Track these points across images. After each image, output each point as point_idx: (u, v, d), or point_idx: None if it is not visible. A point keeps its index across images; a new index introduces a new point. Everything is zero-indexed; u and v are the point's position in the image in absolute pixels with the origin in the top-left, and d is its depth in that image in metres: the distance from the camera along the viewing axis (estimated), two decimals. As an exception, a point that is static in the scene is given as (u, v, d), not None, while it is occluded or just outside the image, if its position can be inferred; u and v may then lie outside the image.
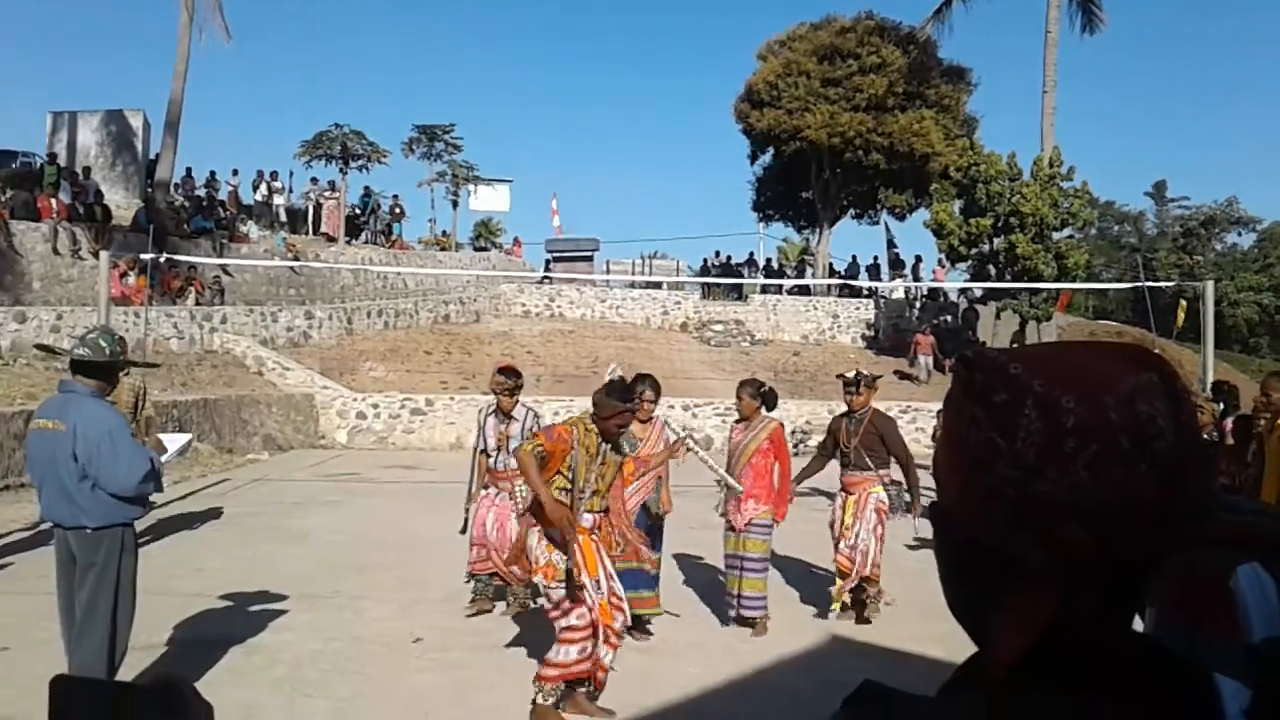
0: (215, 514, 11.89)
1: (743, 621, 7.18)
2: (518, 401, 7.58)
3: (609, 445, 5.45)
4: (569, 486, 5.31)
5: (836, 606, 7.48)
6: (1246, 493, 6.94)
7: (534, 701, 5.19)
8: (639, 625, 6.70)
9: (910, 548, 9.31)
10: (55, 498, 4.93)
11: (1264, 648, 1.26)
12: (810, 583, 8.72)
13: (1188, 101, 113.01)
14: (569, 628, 5.17)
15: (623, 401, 5.44)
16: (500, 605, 7.45)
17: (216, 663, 6.16)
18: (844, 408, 7.74)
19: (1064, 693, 0.75)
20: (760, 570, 7.22)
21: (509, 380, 7.51)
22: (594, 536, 5.43)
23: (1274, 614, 1.30)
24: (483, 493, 7.55)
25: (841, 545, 7.41)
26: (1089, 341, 0.88)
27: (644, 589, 6.76)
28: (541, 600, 5.49)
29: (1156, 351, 0.83)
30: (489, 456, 7.54)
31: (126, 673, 5.34)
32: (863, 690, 0.83)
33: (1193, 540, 0.77)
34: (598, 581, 5.27)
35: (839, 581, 7.46)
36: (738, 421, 7.47)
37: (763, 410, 7.36)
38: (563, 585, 5.18)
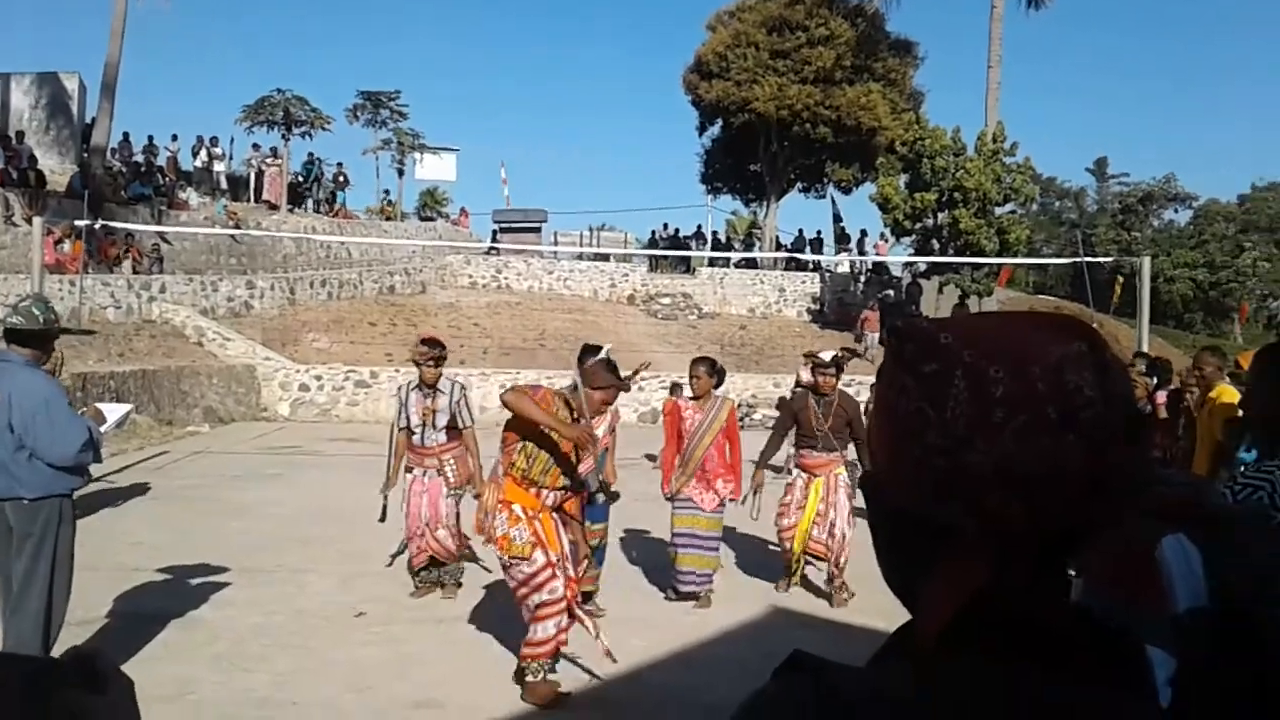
0: (154, 487, 11.70)
1: (687, 596, 7.20)
2: (441, 374, 7.24)
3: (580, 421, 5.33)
4: (526, 467, 5.22)
5: (796, 579, 7.57)
6: (1178, 465, 7.12)
7: (524, 680, 5.18)
8: (586, 600, 6.69)
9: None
10: (-11, 469, 4.83)
11: (1187, 619, 1.29)
12: (753, 556, 8.81)
13: (1130, 79, 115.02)
14: (543, 604, 5.11)
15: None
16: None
17: (154, 637, 6.08)
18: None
19: (993, 661, 0.75)
20: (714, 548, 7.26)
21: (433, 350, 7.19)
22: (554, 515, 5.35)
23: (1197, 585, 1.34)
24: (408, 476, 7.26)
25: (815, 531, 7.32)
26: (1020, 312, 0.88)
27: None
28: (504, 578, 5.37)
29: (1086, 322, 0.83)
30: (412, 434, 7.19)
31: (61, 647, 5.26)
32: (793, 660, 0.83)
33: (1123, 511, 0.78)
34: (560, 559, 5.23)
35: (797, 558, 7.47)
36: (692, 399, 7.40)
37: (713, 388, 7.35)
38: (523, 561, 5.11)
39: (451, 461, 7.21)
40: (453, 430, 7.21)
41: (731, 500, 7.33)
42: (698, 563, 7.17)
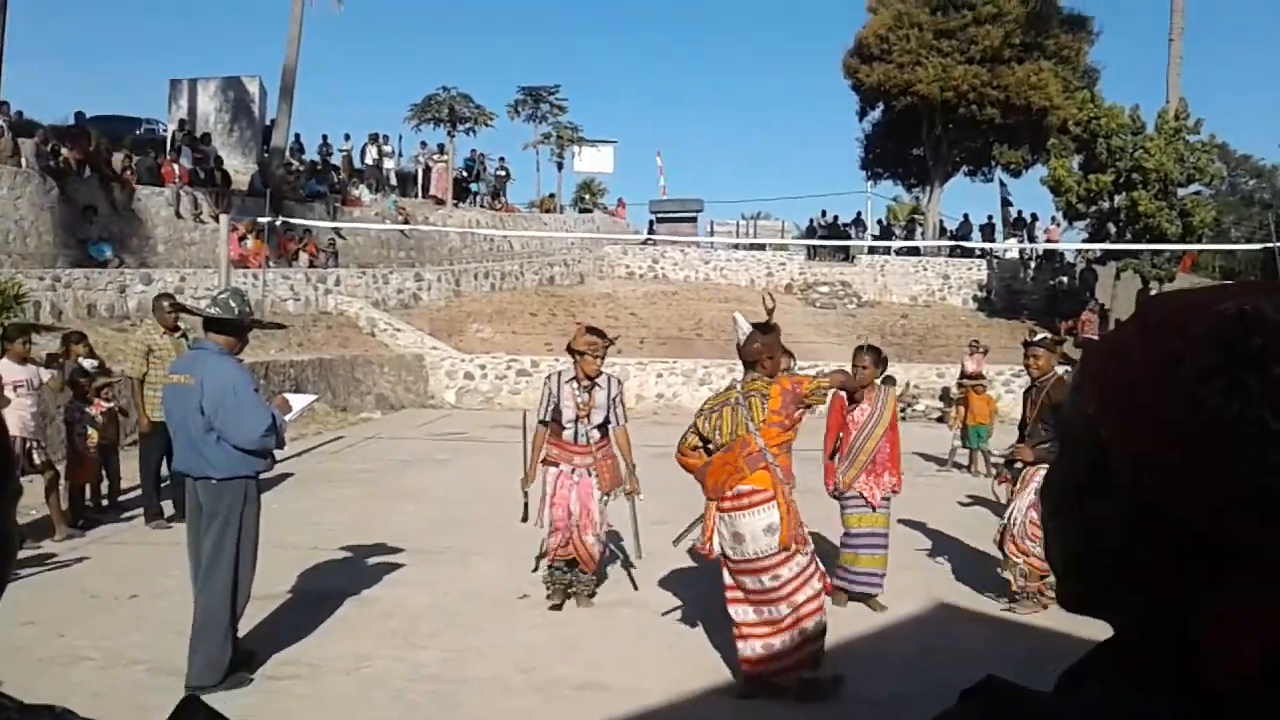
0: (331, 471, 12.25)
1: (860, 598, 6.90)
2: (601, 367, 6.66)
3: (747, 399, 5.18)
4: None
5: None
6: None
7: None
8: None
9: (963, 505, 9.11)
10: (185, 449, 5.17)
11: None
12: (911, 549, 8.59)
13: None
14: (809, 599, 5.05)
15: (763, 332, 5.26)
16: (570, 603, 6.74)
17: (332, 613, 6.35)
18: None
19: None
20: (886, 545, 6.98)
21: (602, 340, 6.59)
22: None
23: None
24: (553, 470, 6.68)
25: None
26: None
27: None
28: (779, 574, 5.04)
29: None
30: (563, 429, 6.64)
31: (248, 620, 5.55)
32: (986, 686, 0.74)
33: None
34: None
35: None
36: (851, 395, 6.97)
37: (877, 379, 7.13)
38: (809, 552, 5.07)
39: (602, 462, 6.72)
40: (604, 429, 6.74)
41: (894, 493, 7.07)
42: (877, 563, 6.89)
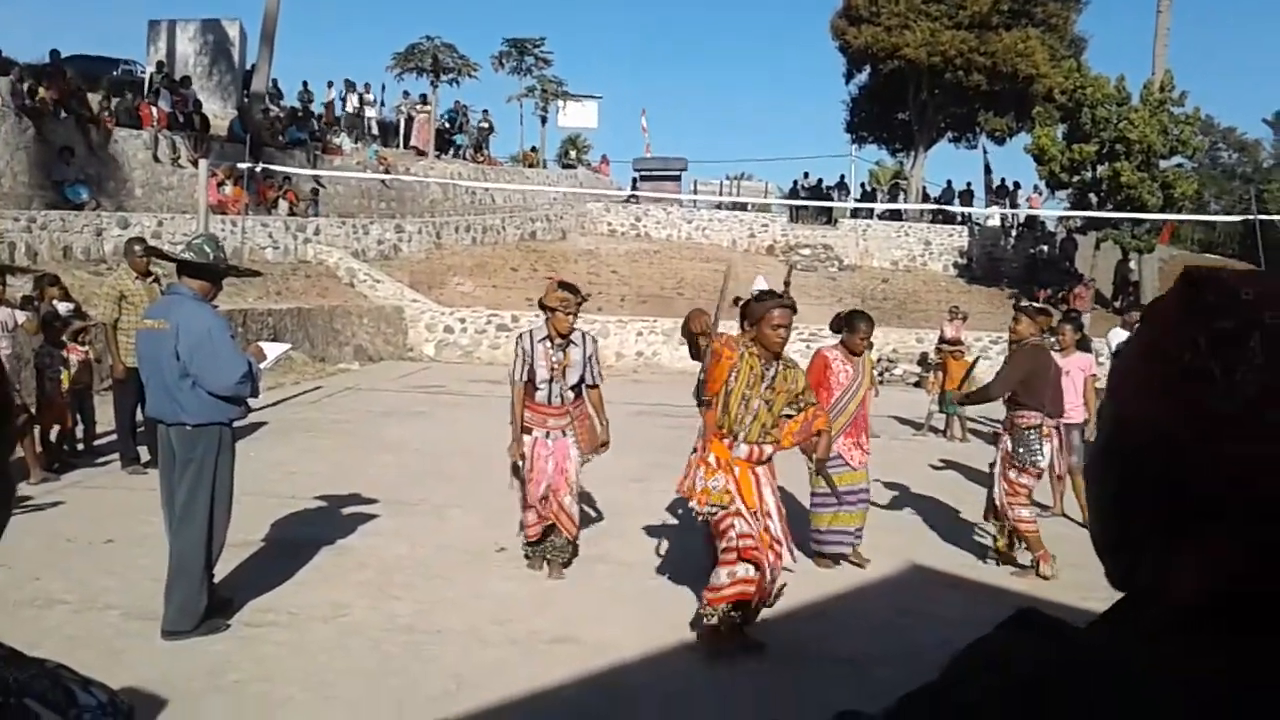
0: (308, 420, 12.22)
1: (836, 559, 7.01)
2: (574, 324, 6.35)
3: (774, 372, 5.14)
4: (723, 419, 5.15)
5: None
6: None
7: (702, 621, 5.25)
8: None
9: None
10: (159, 395, 5.12)
11: None
12: (886, 511, 8.67)
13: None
14: (723, 550, 5.11)
15: (775, 300, 5.16)
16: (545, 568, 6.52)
17: (308, 562, 6.36)
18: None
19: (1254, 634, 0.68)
20: (866, 501, 7.15)
21: (574, 296, 6.30)
22: (756, 470, 5.19)
23: None
24: (528, 439, 6.34)
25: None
26: None
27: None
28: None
29: None
30: (536, 389, 6.30)
31: (224, 567, 5.55)
32: (1022, 617, 0.77)
33: None
34: (754, 514, 5.12)
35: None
36: (849, 354, 7.10)
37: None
38: (714, 509, 5.07)
39: (579, 422, 6.46)
40: (578, 388, 6.43)
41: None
42: (857, 519, 6.98)
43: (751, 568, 5.05)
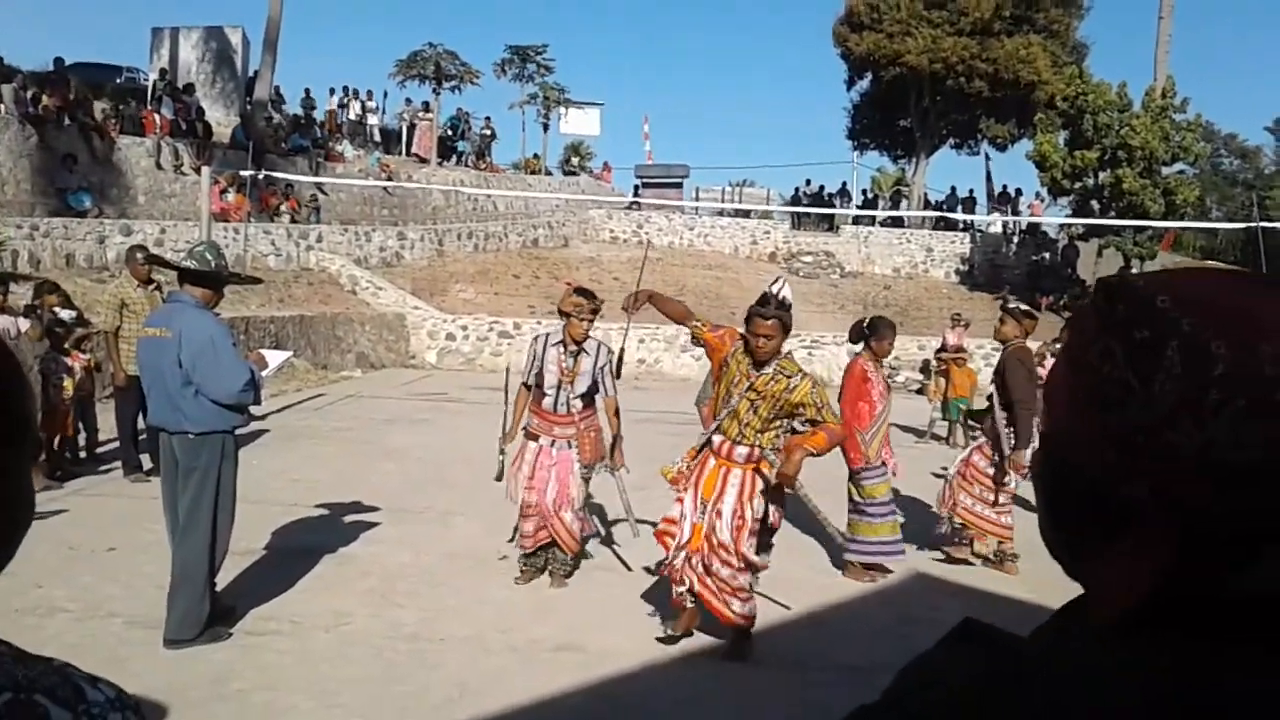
0: (311, 428, 12.22)
1: (876, 568, 6.98)
2: (589, 332, 6.29)
3: (762, 375, 5.11)
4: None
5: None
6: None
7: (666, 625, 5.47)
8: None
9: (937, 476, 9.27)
10: (161, 403, 5.11)
11: None
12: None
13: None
14: (657, 531, 5.35)
15: (762, 310, 5.08)
16: (545, 577, 6.49)
17: (311, 570, 6.36)
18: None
19: (1192, 638, 0.69)
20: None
21: (590, 302, 6.23)
22: (736, 469, 5.19)
23: None
24: (533, 446, 6.31)
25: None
26: (1260, 277, 0.76)
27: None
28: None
29: None
30: (544, 396, 6.24)
31: (226, 575, 5.55)
32: (963, 629, 0.78)
33: None
34: (704, 504, 5.16)
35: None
36: (874, 362, 7.09)
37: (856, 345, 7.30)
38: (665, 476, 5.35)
39: (584, 434, 6.33)
40: (589, 398, 6.37)
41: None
42: (895, 530, 6.94)
43: (675, 555, 5.24)
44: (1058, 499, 0.78)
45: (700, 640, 5.47)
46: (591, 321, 6.26)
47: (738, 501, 5.14)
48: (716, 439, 5.22)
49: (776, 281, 5.30)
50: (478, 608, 5.88)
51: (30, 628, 5.17)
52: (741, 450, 5.17)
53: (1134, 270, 27.55)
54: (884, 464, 6.93)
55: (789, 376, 5.11)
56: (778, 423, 5.20)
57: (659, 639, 5.36)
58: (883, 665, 5.01)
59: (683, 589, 5.27)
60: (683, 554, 5.22)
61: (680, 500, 5.26)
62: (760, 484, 5.18)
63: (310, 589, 6.05)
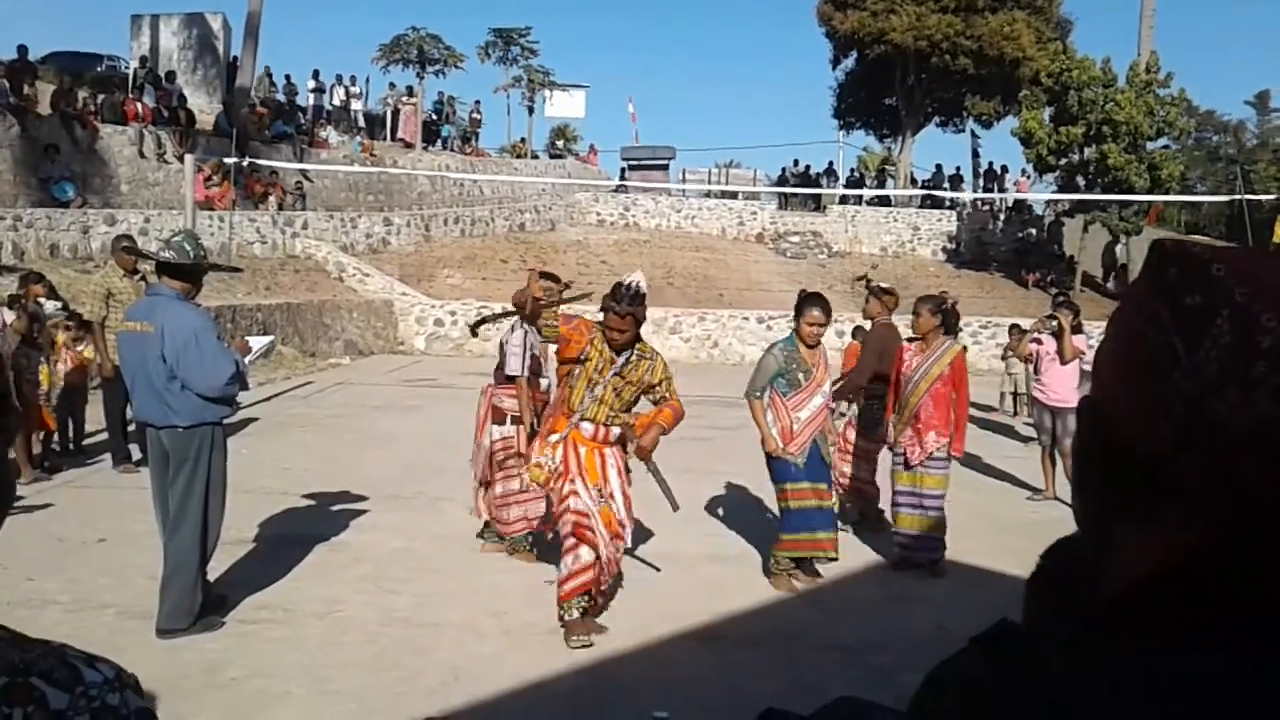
0: (300, 416, 12.20)
1: (902, 563, 6.66)
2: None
3: (625, 361, 5.24)
4: (568, 398, 5.30)
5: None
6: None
7: (562, 620, 5.21)
8: (806, 566, 6.30)
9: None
10: (146, 398, 5.06)
11: None
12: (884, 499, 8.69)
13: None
14: (563, 536, 5.22)
15: (616, 305, 5.14)
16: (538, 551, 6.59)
17: (303, 559, 6.36)
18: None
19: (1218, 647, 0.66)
20: (938, 509, 6.60)
21: (557, 285, 6.25)
22: (608, 450, 5.29)
23: None
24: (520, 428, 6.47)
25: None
26: None
27: (820, 529, 6.16)
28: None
29: None
30: (542, 379, 6.52)
31: (218, 564, 5.56)
32: (1000, 631, 0.76)
33: None
34: (599, 490, 5.20)
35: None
36: (911, 341, 6.86)
37: (942, 332, 6.81)
38: (533, 484, 5.42)
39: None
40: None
41: (954, 457, 6.70)
42: (911, 523, 6.58)
43: (588, 551, 5.14)
44: (1098, 469, 0.76)
45: (693, 621, 5.49)
46: (560, 303, 6.13)
47: (619, 480, 5.36)
48: (589, 428, 5.28)
49: (631, 275, 5.34)
50: (470, 593, 5.89)
51: (23, 620, 5.15)
52: (614, 432, 5.34)
53: (1120, 245, 27.67)
54: (904, 451, 6.73)
55: (649, 359, 5.38)
56: (635, 403, 5.42)
57: (574, 646, 5.11)
58: (874, 645, 5.08)
59: (588, 596, 5.26)
60: (611, 544, 5.22)
61: (575, 494, 5.18)
62: (623, 460, 5.44)
63: (302, 576, 6.05)
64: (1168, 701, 0.65)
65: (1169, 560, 0.69)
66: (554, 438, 5.29)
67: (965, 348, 7.22)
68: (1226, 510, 0.67)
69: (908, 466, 6.63)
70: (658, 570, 5.53)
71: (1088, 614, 0.72)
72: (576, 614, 5.17)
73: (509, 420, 6.56)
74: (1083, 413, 0.78)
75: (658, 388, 5.39)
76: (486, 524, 6.75)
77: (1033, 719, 0.67)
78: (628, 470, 5.48)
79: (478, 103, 35.33)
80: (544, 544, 6.48)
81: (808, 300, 6.26)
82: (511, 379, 6.53)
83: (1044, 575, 0.80)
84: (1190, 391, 0.67)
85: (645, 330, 5.55)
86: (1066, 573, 0.79)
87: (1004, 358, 15.40)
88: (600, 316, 5.31)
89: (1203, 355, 0.67)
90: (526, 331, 6.46)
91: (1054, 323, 8.69)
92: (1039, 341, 8.85)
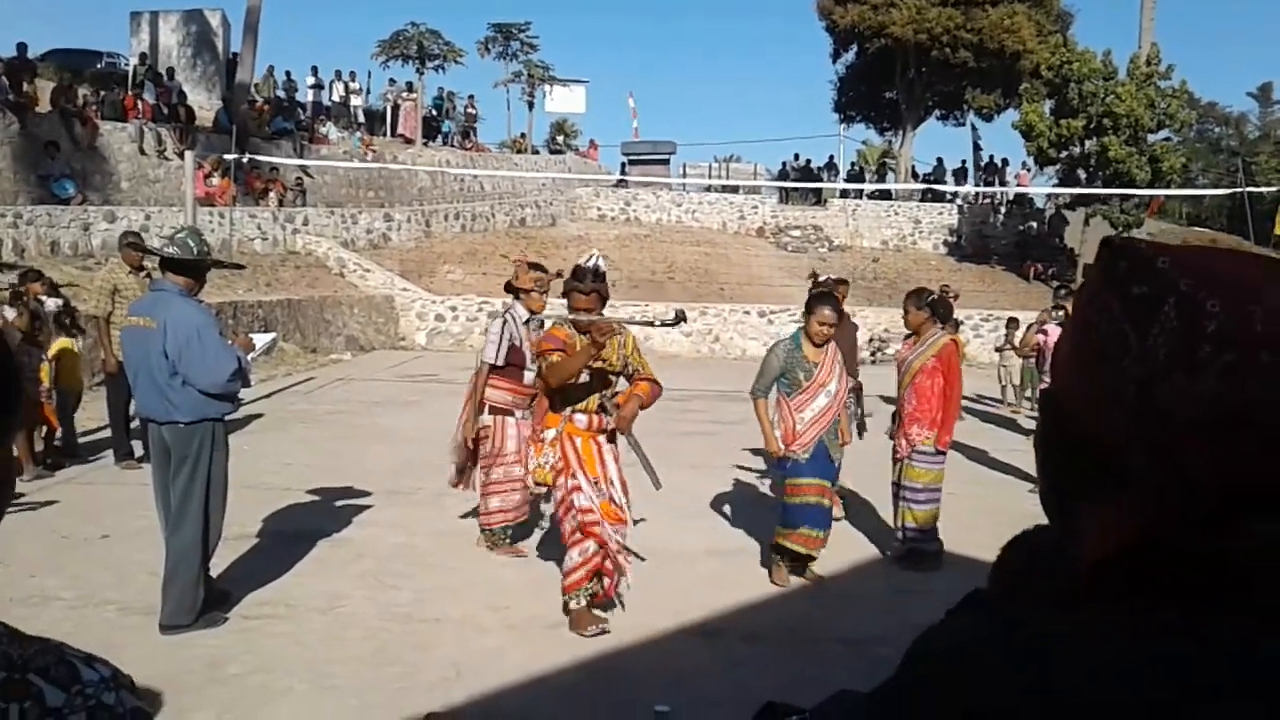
0: (301, 412, 12.20)
1: (908, 556, 6.60)
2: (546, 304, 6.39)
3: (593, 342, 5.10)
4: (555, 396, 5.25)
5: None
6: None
7: (568, 608, 5.23)
8: (798, 569, 6.24)
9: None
10: (149, 393, 5.07)
11: None
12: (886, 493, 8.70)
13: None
14: (569, 531, 5.18)
15: (580, 284, 5.13)
16: (534, 541, 6.78)
17: (305, 554, 6.36)
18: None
19: (1188, 609, 0.69)
20: (924, 500, 6.52)
21: (546, 274, 6.33)
22: (599, 439, 5.28)
23: None
24: (509, 420, 6.55)
25: None
26: (1257, 252, 0.80)
27: (813, 527, 6.09)
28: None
29: None
30: (523, 371, 6.46)
31: (221, 560, 5.55)
32: (972, 598, 0.81)
33: None
34: (596, 482, 5.19)
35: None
36: (907, 337, 6.84)
37: (935, 323, 6.71)
38: (542, 487, 5.34)
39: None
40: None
41: (939, 451, 6.53)
42: (907, 517, 6.55)
43: (593, 545, 5.14)
44: (1054, 455, 0.80)
45: (695, 615, 5.49)
46: (548, 292, 6.34)
47: (617, 468, 5.33)
48: (584, 419, 5.24)
49: (589, 256, 5.32)
50: (471, 588, 5.89)
51: (25, 617, 5.16)
52: (608, 419, 5.30)
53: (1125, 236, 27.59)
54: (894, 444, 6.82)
55: (617, 334, 5.28)
56: (616, 383, 5.37)
57: (589, 634, 5.16)
58: (880, 636, 5.07)
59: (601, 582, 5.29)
60: (617, 534, 5.23)
61: (578, 489, 5.15)
62: (614, 444, 5.41)
63: (304, 572, 6.05)
64: (1139, 661, 0.67)
65: (1126, 544, 0.72)
66: (549, 434, 5.26)
67: (956, 339, 7.05)
68: (1175, 498, 0.70)
69: (895, 459, 6.68)
70: (643, 560, 5.52)
71: (1051, 594, 0.77)
72: (584, 601, 5.18)
73: (488, 410, 6.59)
74: (1042, 404, 0.82)
75: (630, 360, 5.33)
76: (483, 529, 6.72)
77: (1011, 671, 0.70)
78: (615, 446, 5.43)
79: (471, 97, 35.30)
80: (524, 533, 6.64)
81: (818, 298, 6.20)
82: (500, 369, 6.52)
83: (1005, 564, 0.85)
84: (1140, 375, 0.71)
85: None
86: (1027, 562, 0.83)
87: (999, 349, 15.40)
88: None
89: (1151, 341, 0.71)
90: (505, 322, 6.52)
91: (1060, 313, 8.69)
92: (1045, 333, 8.84)
